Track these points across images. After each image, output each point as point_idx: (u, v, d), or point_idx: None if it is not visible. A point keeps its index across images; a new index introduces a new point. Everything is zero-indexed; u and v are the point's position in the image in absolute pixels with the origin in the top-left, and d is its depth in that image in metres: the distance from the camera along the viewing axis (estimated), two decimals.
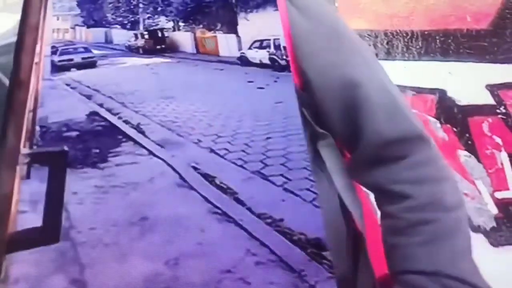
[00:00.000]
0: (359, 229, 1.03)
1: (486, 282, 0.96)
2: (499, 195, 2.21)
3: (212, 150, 0.93)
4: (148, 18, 1.12)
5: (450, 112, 2.28)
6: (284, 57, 1.04)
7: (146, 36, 1.13)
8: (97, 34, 1.13)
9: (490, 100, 2.24)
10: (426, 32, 2.33)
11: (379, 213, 1.05)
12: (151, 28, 1.12)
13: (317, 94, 0.99)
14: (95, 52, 1.09)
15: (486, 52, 2.25)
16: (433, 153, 1.01)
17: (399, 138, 0.98)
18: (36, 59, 0.95)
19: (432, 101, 2.29)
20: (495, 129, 2.23)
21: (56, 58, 1.03)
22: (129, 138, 0.94)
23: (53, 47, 1.03)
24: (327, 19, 1.06)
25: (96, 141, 0.93)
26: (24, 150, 0.87)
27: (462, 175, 2.23)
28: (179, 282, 0.80)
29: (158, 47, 1.12)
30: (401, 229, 0.98)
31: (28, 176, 0.85)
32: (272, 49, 1.06)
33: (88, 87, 1.02)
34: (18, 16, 1.04)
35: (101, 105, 0.99)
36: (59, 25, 1.08)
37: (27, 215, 0.82)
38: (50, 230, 0.80)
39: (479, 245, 2.12)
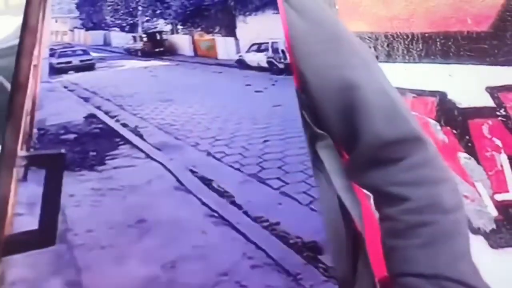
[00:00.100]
0: (359, 230, 1.03)
1: (486, 283, 0.96)
2: (499, 197, 2.21)
3: (209, 153, 0.93)
4: (147, 21, 1.12)
5: (450, 114, 2.28)
6: (282, 60, 1.04)
7: (145, 39, 1.13)
8: (95, 36, 1.13)
9: (490, 103, 2.25)
10: (426, 35, 2.34)
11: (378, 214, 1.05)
12: (150, 31, 1.12)
13: (315, 96, 0.99)
14: (94, 54, 1.09)
15: (487, 54, 2.25)
16: (431, 154, 1.01)
17: (397, 140, 0.98)
18: (34, 62, 0.95)
19: (432, 103, 2.30)
20: (495, 131, 2.23)
21: (54, 61, 1.03)
22: (127, 141, 0.94)
23: (51, 49, 1.03)
24: (325, 20, 1.06)
25: (93, 143, 0.93)
26: (22, 152, 0.87)
27: (462, 177, 2.23)
28: (175, 285, 0.80)
29: (157, 50, 1.12)
30: (400, 231, 0.98)
31: (25, 178, 0.85)
32: (270, 53, 1.06)
33: (86, 89, 1.02)
34: (19, 19, 1.04)
35: (99, 108, 0.99)
36: (57, 27, 1.08)
37: (24, 218, 0.82)
38: (46, 233, 0.80)
39: (479, 247, 2.12)
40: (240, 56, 1.09)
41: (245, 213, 0.86)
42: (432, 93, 2.32)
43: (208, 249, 0.82)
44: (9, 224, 0.81)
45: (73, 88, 1.02)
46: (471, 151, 2.27)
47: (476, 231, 2.19)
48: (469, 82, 2.28)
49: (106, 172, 0.89)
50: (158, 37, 1.13)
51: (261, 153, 0.93)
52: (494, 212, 2.21)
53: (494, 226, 2.20)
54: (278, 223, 0.85)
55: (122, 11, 1.12)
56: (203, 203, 0.87)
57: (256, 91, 1.03)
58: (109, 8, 1.12)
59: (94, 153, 0.91)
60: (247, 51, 1.09)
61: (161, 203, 0.87)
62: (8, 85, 1.25)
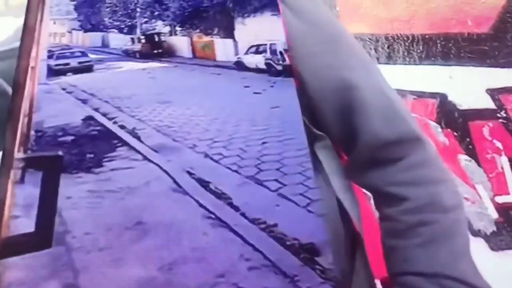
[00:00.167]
0: (357, 230, 1.03)
1: (487, 282, 0.97)
2: (500, 199, 2.21)
3: (207, 155, 0.93)
4: (145, 22, 1.12)
5: (450, 116, 2.28)
6: (280, 62, 1.04)
7: (143, 41, 1.12)
8: (94, 38, 1.12)
9: (491, 105, 2.25)
10: (427, 36, 2.34)
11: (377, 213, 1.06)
12: (148, 33, 1.12)
13: (313, 96, 0.99)
14: (92, 56, 1.09)
15: (487, 56, 2.25)
16: (430, 154, 1.02)
17: (396, 140, 0.99)
18: (32, 63, 0.95)
19: (433, 105, 2.30)
20: (496, 134, 2.23)
21: (52, 62, 1.03)
22: (125, 143, 0.94)
23: (49, 51, 1.03)
24: (323, 21, 1.06)
25: (91, 145, 0.93)
26: (19, 154, 0.87)
27: (462, 180, 2.23)
28: (173, 287, 0.80)
29: (155, 51, 1.12)
30: (400, 231, 0.99)
31: (22, 180, 0.85)
32: (268, 54, 1.06)
33: (84, 91, 1.02)
34: (20, 20, 1.04)
35: (97, 110, 0.99)
36: (55, 29, 1.08)
37: (20, 220, 0.82)
38: (42, 235, 0.80)
39: (479, 249, 2.12)
40: (238, 58, 1.09)
41: (243, 215, 0.86)
42: (433, 95, 2.32)
43: (205, 251, 0.82)
44: (6, 227, 0.81)
45: (71, 90, 1.02)
46: (472, 153, 2.27)
47: (477, 233, 2.19)
48: (469, 83, 2.28)
49: (103, 174, 0.89)
50: (157, 39, 1.13)
51: (259, 155, 0.93)
52: (494, 214, 2.21)
53: (494, 228, 2.20)
54: (275, 225, 0.85)
55: (120, 13, 1.12)
56: (201, 205, 0.87)
57: (255, 93, 1.03)
58: (108, 9, 1.12)
59: (92, 155, 0.91)
60: (246, 53, 1.09)
61: (159, 205, 0.87)
62: (8, 88, 1.24)
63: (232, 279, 0.80)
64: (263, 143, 0.95)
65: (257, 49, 1.08)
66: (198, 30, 1.12)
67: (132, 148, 0.94)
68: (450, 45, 2.32)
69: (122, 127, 0.97)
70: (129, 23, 1.13)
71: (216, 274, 0.80)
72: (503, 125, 2.25)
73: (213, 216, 0.86)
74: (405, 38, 2.36)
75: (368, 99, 1.00)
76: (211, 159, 0.93)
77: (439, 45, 2.33)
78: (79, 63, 1.08)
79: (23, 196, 0.84)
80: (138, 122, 0.98)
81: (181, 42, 1.13)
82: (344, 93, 1.00)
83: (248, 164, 0.92)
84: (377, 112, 0.99)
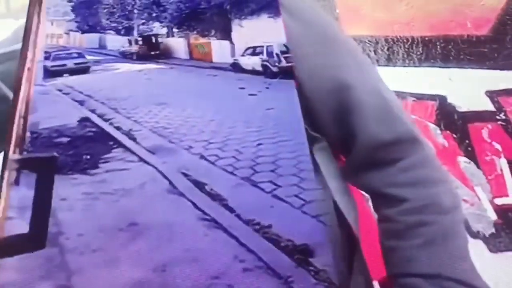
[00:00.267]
0: (355, 233, 1.03)
1: (486, 282, 0.97)
2: (499, 201, 2.21)
3: (202, 157, 0.93)
4: (143, 24, 1.12)
5: (450, 118, 2.28)
6: (277, 63, 1.04)
7: (140, 42, 1.12)
8: (91, 39, 1.13)
9: (490, 107, 2.25)
10: (426, 38, 2.34)
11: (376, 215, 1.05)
12: (145, 34, 1.12)
13: (309, 97, 0.99)
14: (89, 57, 1.09)
15: (486, 58, 2.25)
16: (427, 155, 1.02)
17: (393, 141, 0.99)
18: (28, 65, 0.96)
19: (432, 107, 2.30)
20: (495, 136, 2.23)
21: (49, 64, 1.03)
22: (120, 144, 0.94)
23: (46, 52, 1.03)
24: (318, 22, 1.06)
25: (87, 147, 0.93)
26: (14, 156, 0.87)
27: (461, 182, 2.23)
28: None
29: (152, 53, 1.12)
30: (399, 232, 0.99)
31: (17, 182, 0.85)
32: (264, 56, 1.06)
33: (81, 92, 1.02)
34: (21, 22, 1.04)
35: (93, 111, 0.99)
36: (53, 30, 1.08)
37: (15, 222, 0.82)
38: (36, 236, 0.80)
39: (478, 251, 2.12)
40: (235, 59, 1.09)
41: (237, 216, 0.86)
42: (432, 97, 2.32)
43: (199, 252, 0.82)
44: (0, 228, 0.81)
45: (68, 91, 1.02)
46: (471, 155, 2.27)
47: (476, 235, 2.19)
48: (469, 86, 2.28)
49: (99, 175, 0.89)
50: (154, 40, 1.13)
51: (254, 157, 0.93)
52: (493, 216, 2.21)
53: (493, 230, 2.20)
54: (270, 226, 0.85)
55: (118, 14, 1.12)
56: (196, 207, 0.87)
57: (250, 95, 1.03)
58: (105, 11, 1.12)
59: (88, 157, 0.91)
60: (242, 55, 1.09)
61: (154, 207, 0.87)
62: (6, 91, 1.25)
63: (226, 280, 0.80)
64: (258, 144, 0.95)
65: (254, 51, 1.08)
66: (195, 32, 1.12)
67: (127, 149, 0.94)
68: (450, 47, 2.32)
69: (118, 128, 0.97)
70: (127, 25, 1.13)
71: (211, 275, 0.80)
72: (502, 127, 2.25)
73: (208, 217, 0.86)
74: (405, 40, 2.37)
75: (364, 99, 1.00)
76: (207, 160, 0.93)
77: (438, 47, 2.33)
78: (76, 64, 1.08)
79: (17, 197, 0.84)
80: (134, 123, 0.98)
81: (178, 44, 1.13)
82: (339, 93, 1.00)
83: (243, 166, 0.92)
84: (373, 113, 1.00)
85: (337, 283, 0.82)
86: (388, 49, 2.38)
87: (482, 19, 2.28)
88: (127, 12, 1.12)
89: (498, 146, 2.24)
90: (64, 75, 1.04)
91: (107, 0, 1.12)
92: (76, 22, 1.12)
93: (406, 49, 2.36)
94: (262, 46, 1.08)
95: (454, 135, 2.28)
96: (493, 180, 2.24)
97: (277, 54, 1.05)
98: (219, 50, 1.11)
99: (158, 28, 1.12)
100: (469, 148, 2.27)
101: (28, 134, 0.91)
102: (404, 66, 2.36)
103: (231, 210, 0.87)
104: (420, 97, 2.34)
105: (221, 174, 0.91)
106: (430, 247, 0.96)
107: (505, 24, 2.25)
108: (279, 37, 1.04)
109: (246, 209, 0.87)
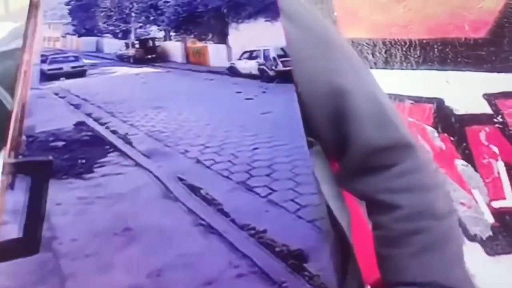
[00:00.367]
0: (347, 237, 1.03)
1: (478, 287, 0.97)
2: (496, 204, 2.21)
3: (198, 161, 0.93)
4: (140, 27, 1.12)
5: (447, 121, 2.28)
6: (273, 67, 1.04)
7: (137, 46, 1.12)
8: (88, 43, 1.13)
9: (488, 109, 2.25)
10: (424, 41, 2.34)
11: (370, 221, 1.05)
12: (142, 38, 1.12)
13: (305, 101, 0.99)
14: (85, 61, 1.09)
15: (484, 61, 2.25)
16: (422, 160, 1.02)
17: (387, 146, 0.98)
18: (24, 68, 0.95)
19: (429, 110, 2.30)
20: (492, 138, 2.23)
21: (45, 67, 1.03)
22: (116, 148, 0.94)
23: (43, 55, 1.03)
24: (317, 26, 1.06)
25: (82, 151, 0.92)
26: (9, 159, 0.87)
27: (459, 184, 2.23)
28: None
29: (149, 56, 1.12)
30: (393, 239, 0.98)
31: (12, 186, 0.85)
32: (261, 60, 1.06)
33: (77, 96, 1.02)
34: (17, 24, 1.04)
35: (89, 115, 0.99)
36: (50, 33, 1.08)
37: (9, 226, 0.82)
38: (30, 241, 0.80)
39: (475, 254, 2.12)
40: (231, 63, 1.09)
41: (232, 221, 0.86)
42: (430, 100, 2.32)
43: (193, 257, 0.82)
44: None
45: (64, 94, 1.02)
46: (468, 158, 2.27)
47: (473, 238, 2.19)
48: (466, 88, 2.28)
49: (94, 180, 0.89)
50: (151, 44, 1.13)
51: (250, 161, 0.93)
52: (490, 219, 2.21)
53: (490, 233, 2.20)
54: (265, 231, 0.85)
55: (115, 17, 1.12)
56: (190, 211, 0.87)
57: (247, 99, 1.03)
58: (102, 14, 1.12)
59: (83, 161, 0.91)
60: (239, 59, 1.09)
61: (148, 211, 0.87)
62: (3, 92, 1.24)
63: (220, 286, 0.80)
64: (254, 148, 0.95)
65: (251, 55, 1.08)
66: (192, 36, 1.12)
67: (123, 153, 0.94)
68: (447, 50, 2.32)
69: (114, 132, 0.97)
70: (124, 28, 1.13)
71: (204, 281, 0.80)
72: (499, 130, 2.25)
73: (202, 222, 0.85)
74: (403, 43, 2.37)
75: (359, 105, 0.99)
76: (203, 164, 0.93)
77: (436, 50, 2.33)
78: (73, 67, 1.08)
79: (12, 201, 0.83)
80: (130, 127, 0.98)
81: (175, 47, 1.13)
82: (336, 98, 1.00)
83: (239, 170, 0.92)
84: (369, 118, 0.99)
85: None
86: (385, 52, 2.38)
87: (480, 22, 2.28)
88: (124, 16, 1.12)
89: (495, 149, 2.24)
90: (61, 78, 1.04)
91: (104, 3, 1.12)
92: (73, 25, 1.12)
93: (404, 52, 2.36)
94: (259, 50, 1.08)
95: (452, 138, 2.28)
96: (491, 183, 2.24)
97: (274, 58, 1.05)
98: (216, 54, 1.11)
99: (155, 31, 1.12)
100: (467, 151, 2.27)
101: (24, 137, 0.91)
102: (402, 69, 2.36)
103: (226, 215, 0.87)
104: (417, 100, 2.34)
105: (216, 179, 0.91)
106: (423, 255, 0.96)
107: (503, 27, 2.25)
108: (276, 41, 1.04)
109: (241, 214, 0.87)
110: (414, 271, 0.96)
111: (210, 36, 1.11)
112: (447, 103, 2.30)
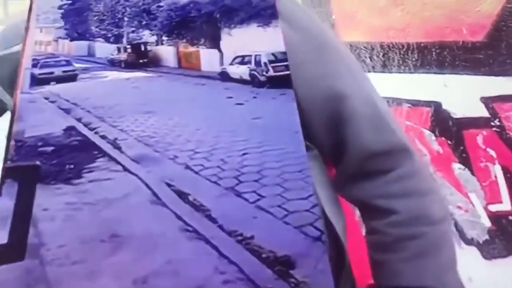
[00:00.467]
0: (342, 241, 1.03)
1: None
2: (493, 208, 2.21)
3: (187, 166, 0.93)
4: (132, 31, 1.12)
5: (445, 124, 2.28)
6: (264, 73, 1.04)
7: (129, 50, 1.12)
8: (79, 47, 1.12)
9: (485, 113, 2.24)
10: (422, 44, 2.34)
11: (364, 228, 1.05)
12: (135, 42, 1.12)
13: (302, 106, 0.99)
14: (77, 65, 1.09)
15: (482, 64, 2.25)
16: (418, 165, 1.02)
17: (384, 151, 0.99)
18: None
19: (427, 113, 2.29)
20: (490, 142, 2.23)
21: (36, 71, 1.03)
22: (105, 154, 0.94)
23: (34, 59, 1.03)
24: (314, 30, 1.06)
25: (71, 156, 0.92)
26: None
27: (456, 188, 2.23)
28: None
29: (141, 61, 1.12)
30: (387, 244, 0.98)
31: None
32: (253, 65, 1.06)
33: (68, 101, 1.02)
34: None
35: (79, 120, 0.99)
36: (42, 37, 1.08)
37: None
38: (15, 247, 0.80)
39: (472, 258, 2.11)
40: (223, 68, 1.09)
41: (220, 227, 0.86)
42: (427, 103, 2.32)
43: (180, 264, 0.82)
44: None
45: (54, 99, 1.02)
46: (466, 162, 2.26)
47: (470, 241, 2.18)
48: (464, 92, 2.28)
49: (82, 185, 0.89)
50: (143, 48, 1.13)
51: (239, 166, 0.93)
52: (487, 223, 2.20)
53: (487, 236, 2.19)
54: (252, 237, 0.84)
55: (107, 22, 1.12)
56: (178, 217, 0.86)
57: (237, 104, 1.03)
58: (95, 18, 1.12)
59: (72, 166, 0.91)
60: (231, 63, 1.09)
61: (136, 217, 0.86)
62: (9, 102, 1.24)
63: None
64: (244, 154, 0.95)
65: (243, 60, 1.08)
66: (184, 40, 1.12)
67: (112, 159, 0.93)
68: (445, 53, 2.31)
69: (103, 137, 0.97)
70: (116, 32, 1.12)
71: (191, 287, 0.80)
72: (497, 134, 2.24)
73: (190, 228, 0.85)
74: (400, 47, 2.36)
75: (357, 109, 0.99)
76: (192, 170, 0.93)
77: (434, 53, 2.32)
78: (64, 72, 1.08)
79: None
80: (120, 132, 0.98)
81: (167, 52, 1.13)
82: (333, 102, 0.99)
83: (228, 176, 0.92)
84: (367, 122, 0.99)
85: None
86: (383, 55, 2.38)
87: (477, 25, 2.27)
88: (117, 20, 1.11)
89: (492, 153, 2.24)
90: (52, 83, 1.04)
91: (97, 7, 1.12)
92: (65, 29, 1.12)
93: (402, 55, 2.36)
94: (251, 55, 1.07)
95: (449, 142, 2.28)
96: (488, 186, 2.23)
97: (265, 63, 1.05)
98: (208, 58, 1.11)
99: (147, 36, 1.12)
100: (464, 155, 2.27)
101: (13, 142, 0.90)
102: (400, 73, 2.36)
103: (214, 221, 0.86)
104: (415, 103, 2.33)
105: (205, 184, 0.91)
106: (418, 260, 0.96)
107: (501, 31, 2.24)
108: (268, 46, 1.04)
109: (229, 220, 0.87)
110: (408, 276, 0.96)
111: (202, 41, 1.11)
112: (444, 106, 2.30)
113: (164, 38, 1.12)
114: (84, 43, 1.13)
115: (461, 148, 2.26)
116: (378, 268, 1.01)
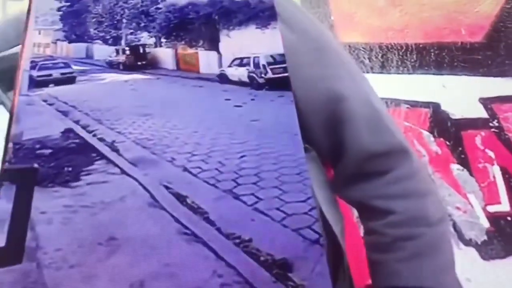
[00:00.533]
0: (340, 244, 1.03)
1: None
2: (491, 208, 2.21)
3: (185, 169, 0.93)
4: (131, 33, 1.12)
5: (443, 125, 2.28)
6: (263, 75, 1.04)
7: (128, 52, 1.12)
8: (78, 49, 1.12)
9: (484, 114, 2.25)
10: (420, 45, 2.34)
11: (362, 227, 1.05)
12: (133, 44, 1.12)
13: (301, 107, 0.99)
14: (75, 67, 1.09)
15: (480, 65, 2.25)
16: (416, 166, 1.02)
17: (383, 152, 0.99)
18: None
19: (426, 114, 2.30)
20: (488, 143, 2.23)
21: (35, 73, 1.03)
22: (103, 156, 0.94)
23: (32, 61, 1.03)
24: (312, 32, 1.06)
25: (69, 159, 0.92)
26: None
27: (454, 189, 2.23)
28: None
29: (139, 63, 1.11)
30: (385, 245, 0.98)
31: None
32: (251, 67, 1.06)
33: (66, 103, 1.02)
34: None
35: (77, 122, 0.99)
36: (40, 39, 1.08)
37: None
38: (13, 250, 0.79)
39: (470, 258, 2.12)
40: (222, 70, 1.09)
41: (218, 229, 0.85)
42: (426, 104, 2.32)
43: (178, 267, 0.82)
44: None
45: (52, 101, 1.02)
46: (464, 163, 2.27)
47: (468, 242, 2.18)
48: (462, 93, 2.28)
49: (80, 188, 0.88)
50: (141, 50, 1.13)
51: (237, 169, 0.93)
52: (486, 224, 2.21)
53: (485, 237, 2.19)
54: (250, 240, 0.84)
55: (106, 24, 1.12)
56: (176, 220, 0.86)
57: (236, 106, 1.03)
58: (93, 20, 1.12)
59: (69, 169, 0.91)
60: (229, 65, 1.09)
61: (133, 220, 0.86)
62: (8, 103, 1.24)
63: None
64: (242, 156, 0.95)
65: (241, 62, 1.08)
66: (183, 42, 1.12)
67: (110, 161, 0.93)
68: (444, 54, 2.32)
69: (101, 139, 0.97)
70: (114, 34, 1.12)
71: None
72: (495, 135, 2.25)
73: (188, 231, 0.85)
74: (399, 47, 2.37)
75: (356, 110, 0.99)
76: (190, 172, 0.92)
77: (432, 54, 2.33)
78: (62, 74, 1.08)
79: None
80: (118, 134, 0.98)
81: (165, 54, 1.13)
82: (332, 104, 0.99)
83: (226, 178, 0.92)
84: (365, 124, 0.99)
85: None
86: (382, 56, 2.38)
87: (476, 26, 2.28)
88: (115, 22, 1.11)
89: (491, 154, 2.24)
90: (50, 85, 1.04)
91: (96, 9, 1.12)
92: (64, 31, 1.11)
93: (400, 56, 2.36)
94: (249, 57, 1.07)
95: (448, 142, 2.28)
96: (486, 187, 2.24)
97: (263, 66, 1.05)
98: (206, 60, 1.11)
99: (146, 38, 1.12)
100: (462, 155, 2.27)
101: (10, 145, 0.90)
102: (398, 73, 2.37)
103: (211, 223, 0.86)
104: (414, 104, 2.34)
105: (203, 187, 0.91)
106: (415, 260, 0.96)
107: (499, 31, 2.24)
108: (267, 48, 1.04)
109: (227, 222, 0.86)
110: (405, 276, 0.96)
111: (201, 42, 1.11)
112: (443, 107, 2.30)
113: (163, 40, 1.12)
114: (82, 45, 1.13)
115: (460, 149, 2.27)
116: (376, 268, 1.01)
